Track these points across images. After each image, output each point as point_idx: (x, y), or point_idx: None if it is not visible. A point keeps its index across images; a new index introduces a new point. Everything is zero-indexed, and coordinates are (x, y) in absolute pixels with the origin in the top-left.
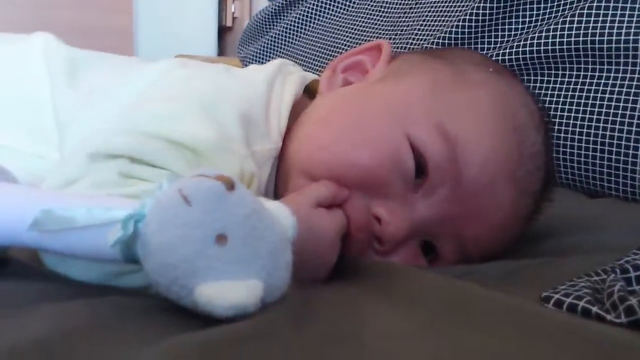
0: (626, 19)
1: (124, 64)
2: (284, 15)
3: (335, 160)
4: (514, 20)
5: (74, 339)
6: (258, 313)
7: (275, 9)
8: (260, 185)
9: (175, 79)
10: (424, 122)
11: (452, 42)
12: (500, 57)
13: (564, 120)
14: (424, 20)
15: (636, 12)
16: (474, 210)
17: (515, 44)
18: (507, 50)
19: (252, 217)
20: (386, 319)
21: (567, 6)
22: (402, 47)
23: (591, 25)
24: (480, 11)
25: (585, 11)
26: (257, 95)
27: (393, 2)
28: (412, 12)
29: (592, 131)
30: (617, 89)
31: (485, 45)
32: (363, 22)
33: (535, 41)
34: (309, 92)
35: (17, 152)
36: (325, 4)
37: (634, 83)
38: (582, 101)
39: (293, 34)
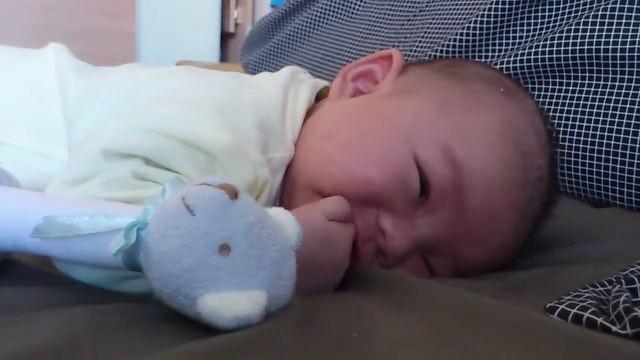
0: (631, 27)
1: (130, 69)
2: (287, 22)
3: (343, 175)
4: (518, 28)
5: (79, 345)
6: (263, 321)
7: (278, 16)
8: (272, 193)
9: (189, 82)
10: (431, 144)
11: (456, 50)
12: (504, 66)
13: (569, 129)
14: (427, 29)
15: None
16: (474, 235)
17: (520, 52)
18: (512, 59)
19: (256, 226)
20: (396, 328)
21: (572, 15)
22: (405, 55)
23: (596, 34)
24: (485, 19)
25: (590, 20)
26: (273, 103)
27: (396, 10)
28: (415, 20)
29: (597, 140)
30: (621, 98)
31: (490, 54)
32: (366, 29)
33: (539, 49)
34: (321, 99)
35: (26, 152)
36: (329, 11)
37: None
38: (587, 110)
39: (296, 41)
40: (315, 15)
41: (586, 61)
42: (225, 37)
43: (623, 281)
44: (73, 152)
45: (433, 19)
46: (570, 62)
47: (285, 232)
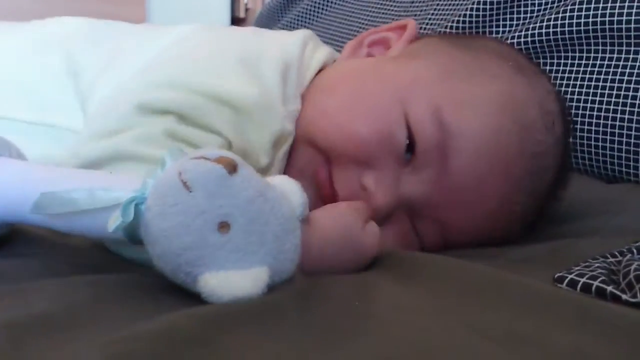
0: None
1: (142, 28)
2: (295, 4)
3: (332, 128)
4: (529, 2)
5: (77, 314)
6: (265, 292)
7: None
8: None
9: (211, 36)
10: (422, 104)
11: (466, 27)
12: (515, 41)
13: (581, 104)
14: (437, 5)
15: None
16: (457, 199)
17: (531, 26)
18: (522, 33)
19: (256, 200)
20: (399, 296)
21: None
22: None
23: (609, 5)
24: None
25: None
26: (292, 53)
27: None
28: None
29: (610, 114)
30: (635, 71)
31: (501, 29)
32: (375, 7)
33: (551, 23)
34: None
35: (33, 126)
36: None
37: None
38: (600, 84)
39: (305, 21)
40: None
41: (599, 34)
42: (236, 22)
43: (635, 251)
44: (98, 107)
45: None
46: (583, 35)
47: (289, 202)
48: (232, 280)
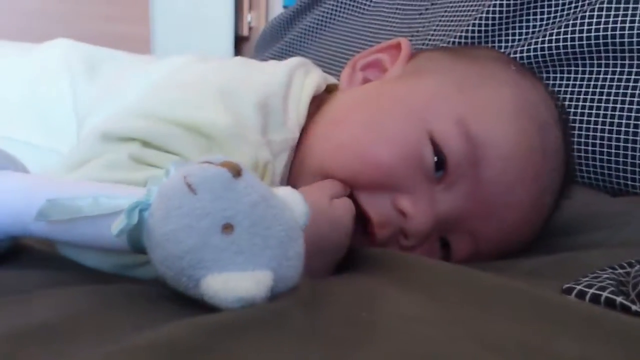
0: None
1: (141, 59)
2: (298, 21)
3: (353, 161)
4: (531, 17)
5: (78, 322)
6: (270, 300)
7: (289, 15)
8: (275, 175)
9: (194, 69)
10: (445, 119)
11: (469, 41)
12: (517, 55)
13: (585, 118)
14: (439, 21)
15: None
16: (491, 209)
17: (534, 41)
18: (525, 48)
19: (260, 205)
20: (406, 305)
21: (586, 1)
22: (418, 48)
23: (611, 20)
24: (497, 8)
25: (604, 5)
26: (276, 84)
27: (408, 4)
28: (427, 13)
29: (615, 128)
30: (639, 84)
31: (503, 44)
32: (378, 24)
33: (554, 37)
34: (330, 92)
35: (31, 147)
36: (340, 8)
37: None
38: (603, 97)
39: (308, 39)
40: (327, 13)
41: (602, 48)
42: (239, 41)
43: None
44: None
45: (445, 11)
46: (585, 49)
47: (292, 211)
48: (235, 281)
